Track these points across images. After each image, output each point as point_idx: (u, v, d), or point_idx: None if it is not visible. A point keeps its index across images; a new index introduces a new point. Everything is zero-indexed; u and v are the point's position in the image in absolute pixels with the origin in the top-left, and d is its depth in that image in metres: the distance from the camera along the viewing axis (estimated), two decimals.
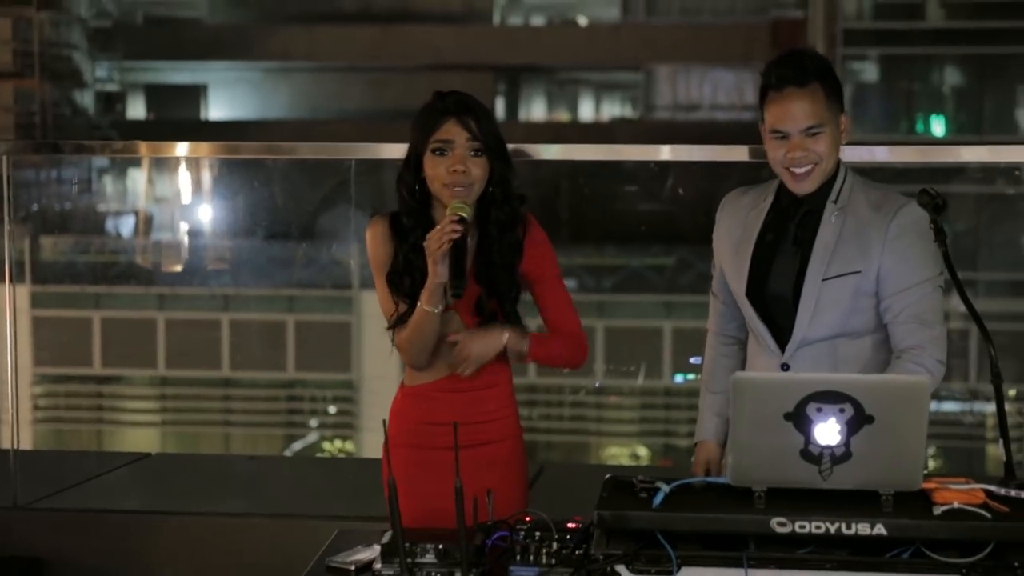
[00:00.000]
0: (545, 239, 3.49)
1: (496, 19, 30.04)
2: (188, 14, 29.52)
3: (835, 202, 3.33)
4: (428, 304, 3.32)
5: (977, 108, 26.41)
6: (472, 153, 3.36)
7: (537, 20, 30.98)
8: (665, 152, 5.25)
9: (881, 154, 5.25)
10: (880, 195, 3.35)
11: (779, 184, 3.39)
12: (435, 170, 3.36)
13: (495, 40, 28.47)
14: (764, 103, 3.33)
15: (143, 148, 5.36)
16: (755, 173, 3.63)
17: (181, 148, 4.94)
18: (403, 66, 26.82)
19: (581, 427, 19.14)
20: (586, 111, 33.65)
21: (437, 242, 3.24)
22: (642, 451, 20.15)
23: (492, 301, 3.41)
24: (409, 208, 3.42)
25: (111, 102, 28.33)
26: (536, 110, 32.35)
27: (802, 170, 3.28)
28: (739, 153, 4.53)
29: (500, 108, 28.62)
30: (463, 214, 3.27)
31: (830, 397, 2.60)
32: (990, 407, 19.33)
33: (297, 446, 20.49)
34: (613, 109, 33.89)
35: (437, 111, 3.38)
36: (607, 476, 2.88)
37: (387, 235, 3.43)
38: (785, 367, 3.31)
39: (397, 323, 3.41)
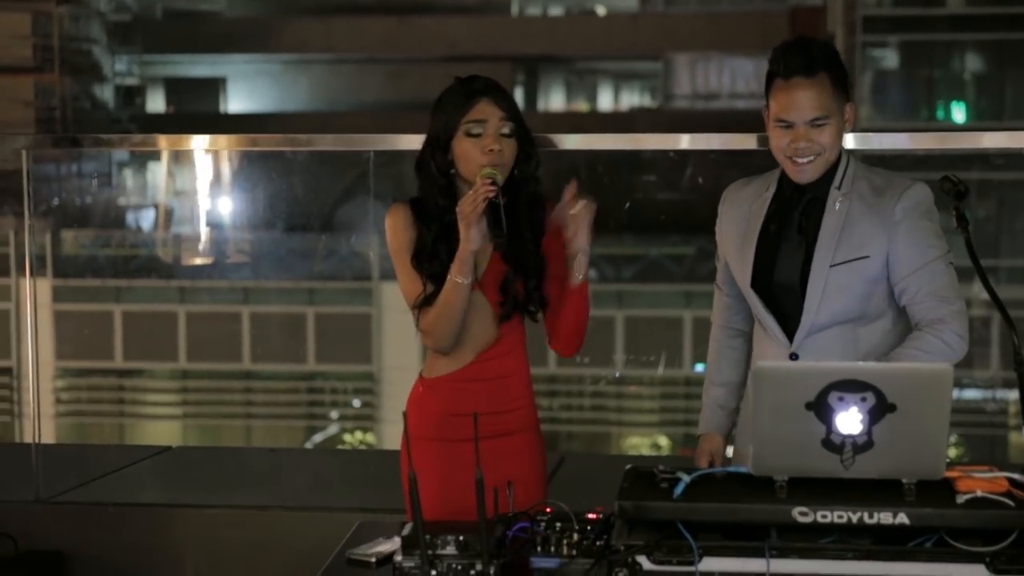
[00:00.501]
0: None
1: (514, 10, 30.03)
2: (207, 7, 29.58)
3: (839, 188, 3.32)
4: (459, 275, 3.29)
5: (998, 94, 26.34)
6: (505, 132, 3.35)
7: (555, 10, 30.95)
8: (684, 141, 5.23)
9: (901, 141, 5.23)
10: (883, 179, 3.34)
11: (781, 173, 3.37)
12: (470, 150, 3.34)
13: (513, 31, 28.46)
14: (770, 90, 3.31)
15: (162, 141, 5.37)
16: (774, 162, 3.59)
17: (199, 141, 4.93)
18: (420, 57, 26.84)
19: (602, 417, 19.13)
20: (605, 101, 33.63)
21: (471, 204, 3.22)
22: (663, 441, 20.13)
23: (518, 280, 3.40)
24: (440, 188, 3.38)
25: (131, 96, 28.39)
26: (555, 100, 32.32)
27: (804, 160, 3.26)
28: (748, 141, 4.52)
29: (519, 99, 28.58)
30: (495, 177, 3.27)
31: (852, 386, 2.59)
32: (1013, 394, 19.24)
33: (318, 438, 20.52)
34: (632, 99, 33.87)
35: (466, 93, 3.37)
36: (628, 467, 2.87)
37: (409, 220, 3.41)
38: (794, 357, 3.29)
39: (423, 304, 3.38)
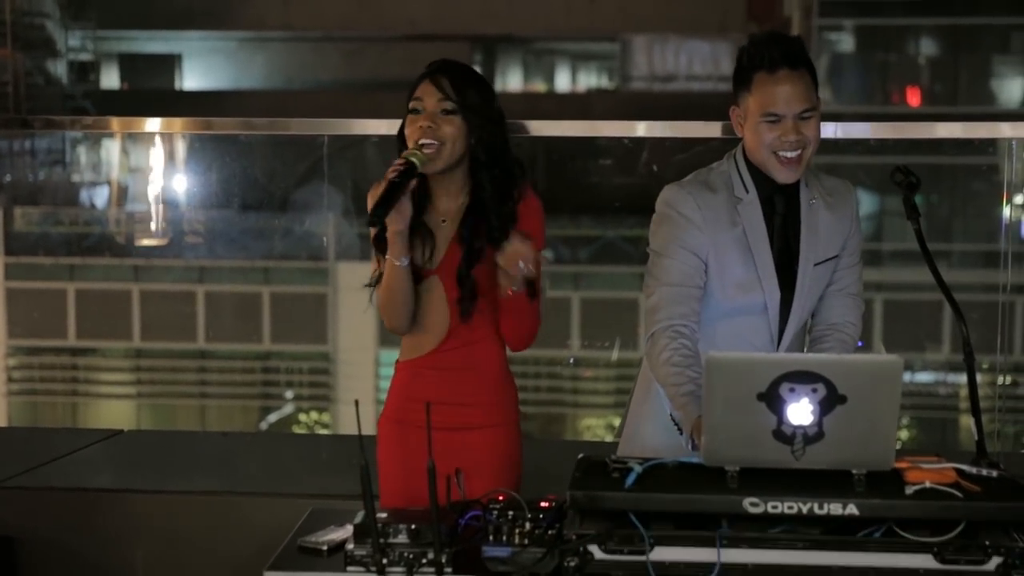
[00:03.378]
0: (538, 208, 3.43)
1: None
2: None
3: (807, 187, 3.33)
4: (392, 255, 3.32)
5: (953, 78, 26.45)
6: (443, 112, 3.37)
7: None
8: (640, 128, 5.21)
9: (860, 130, 5.25)
10: (827, 179, 3.41)
11: (753, 176, 3.32)
12: (409, 128, 3.39)
13: (471, 10, 28.35)
14: (748, 85, 3.26)
15: (115, 124, 5.31)
16: (731, 146, 3.57)
17: (153, 123, 4.90)
18: (379, 36, 26.73)
19: (557, 399, 19.16)
20: (562, 82, 33.57)
21: (378, 184, 3.28)
22: (617, 421, 20.19)
23: (475, 268, 3.37)
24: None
25: (84, 72, 28.12)
26: (512, 81, 32.26)
27: (793, 154, 3.23)
28: (714, 129, 4.51)
29: None
30: (413, 159, 3.28)
31: (803, 377, 2.60)
32: (963, 378, 19.39)
33: (272, 418, 20.48)
34: (590, 79, 33.82)
35: (419, 77, 3.43)
36: (579, 456, 2.88)
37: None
38: None
39: (375, 282, 3.42)
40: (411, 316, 3.42)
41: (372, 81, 26.24)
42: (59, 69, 27.24)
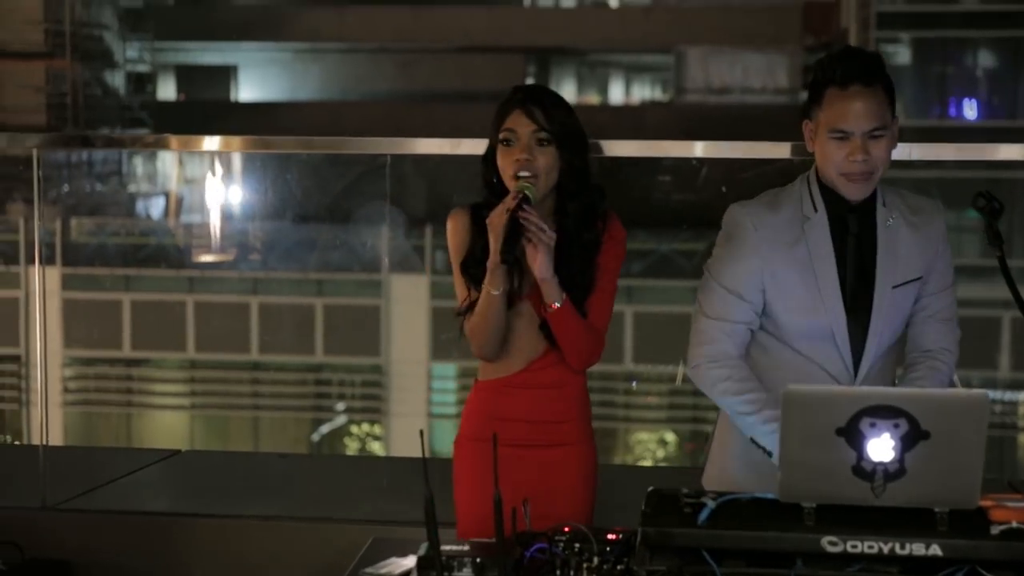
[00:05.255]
0: (621, 239, 3.41)
1: (527, 1, 29.92)
2: None
3: (884, 206, 3.23)
4: (490, 285, 3.29)
5: (1011, 91, 26.22)
6: (538, 143, 3.33)
7: (568, 2, 30.84)
8: (699, 149, 5.09)
9: (917, 152, 5.12)
10: (913, 198, 3.29)
11: (822, 192, 3.23)
12: (503, 160, 3.35)
13: (525, 22, 28.35)
14: (820, 101, 3.16)
15: (173, 142, 5.27)
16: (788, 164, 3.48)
17: (212, 142, 4.86)
18: (433, 48, 26.75)
19: (609, 413, 19.07)
20: (616, 94, 33.51)
21: (498, 215, 3.21)
22: (670, 437, 20.08)
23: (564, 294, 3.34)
24: (487, 202, 3.38)
25: (141, 83, 28.29)
26: (566, 92, 32.19)
27: (861, 175, 3.13)
28: (781, 150, 4.40)
29: None
30: (528, 192, 3.25)
31: (884, 412, 2.50)
32: (1022, 395, 19.20)
33: (325, 429, 20.49)
34: (643, 91, 33.74)
35: (505, 102, 3.39)
36: (650, 489, 2.79)
37: (467, 225, 3.42)
38: None
39: (466, 310, 3.39)
40: (502, 343, 3.40)
41: (426, 92, 26.26)
42: (117, 80, 27.41)
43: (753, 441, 3.24)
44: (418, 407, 19.27)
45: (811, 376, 3.23)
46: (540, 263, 3.24)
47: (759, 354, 3.32)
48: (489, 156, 3.40)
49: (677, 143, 4.75)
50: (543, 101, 3.35)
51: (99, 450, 9.09)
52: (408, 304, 19.06)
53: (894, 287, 3.21)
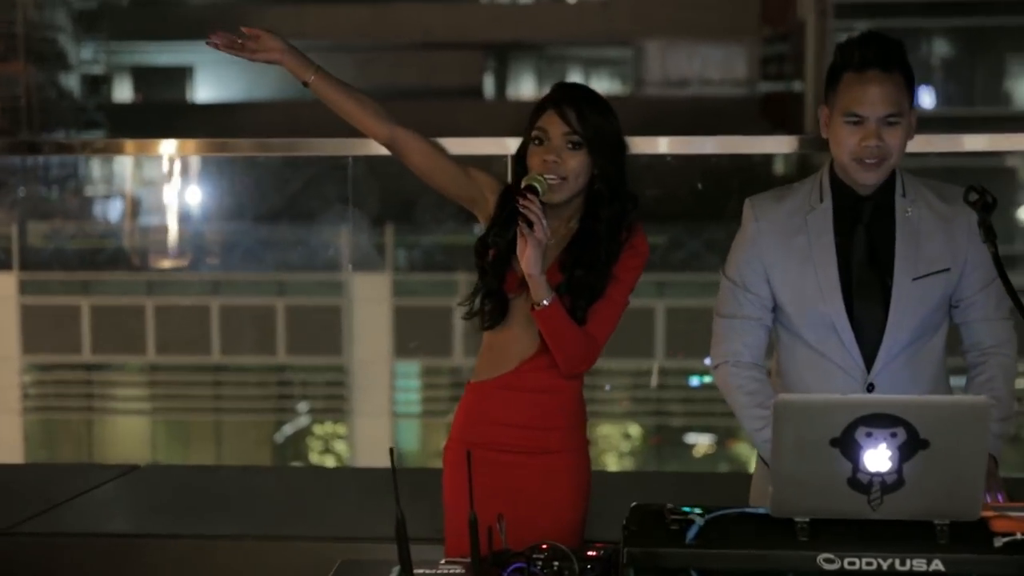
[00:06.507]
0: (643, 252, 3.29)
1: None
2: None
3: (904, 196, 3.12)
4: (537, 296, 3.16)
5: (968, 80, 26.32)
6: (569, 145, 3.22)
7: None
8: (663, 145, 4.99)
9: None
10: (942, 187, 3.18)
11: (832, 181, 3.15)
12: (532, 159, 3.26)
13: (484, 17, 28.25)
14: (836, 85, 3.10)
15: (129, 146, 5.18)
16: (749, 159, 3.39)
17: (168, 146, 4.77)
18: (393, 44, 26.60)
19: None
20: None
21: (535, 216, 3.11)
22: (634, 430, 19.99)
23: (567, 298, 3.23)
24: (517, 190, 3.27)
25: (97, 85, 28.04)
26: (525, 87, 32.13)
27: (873, 161, 3.06)
28: (748, 145, 4.32)
29: (489, 86, 28.40)
30: (536, 185, 3.16)
31: (881, 420, 2.39)
32: None
33: (288, 430, 20.36)
34: (602, 85, 33.66)
35: (542, 101, 3.31)
36: (633, 504, 2.66)
37: (495, 188, 3.37)
38: (871, 388, 3.08)
39: (473, 317, 3.31)
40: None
41: (386, 89, 26.04)
42: (71, 83, 27.15)
43: (760, 458, 3.17)
44: (381, 406, 19.15)
45: (823, 371, 3.14)
46: (528, 257, 3.12)
47: (780, 349, 3.27)
48: (521, 153, 3.31)
49: (642, 139, 4.64)
50: (579, 103, 3.24)
51: (52, 468, 8.83)
52: (370, 303, 18.93)
53: (915, 279, 3.09)
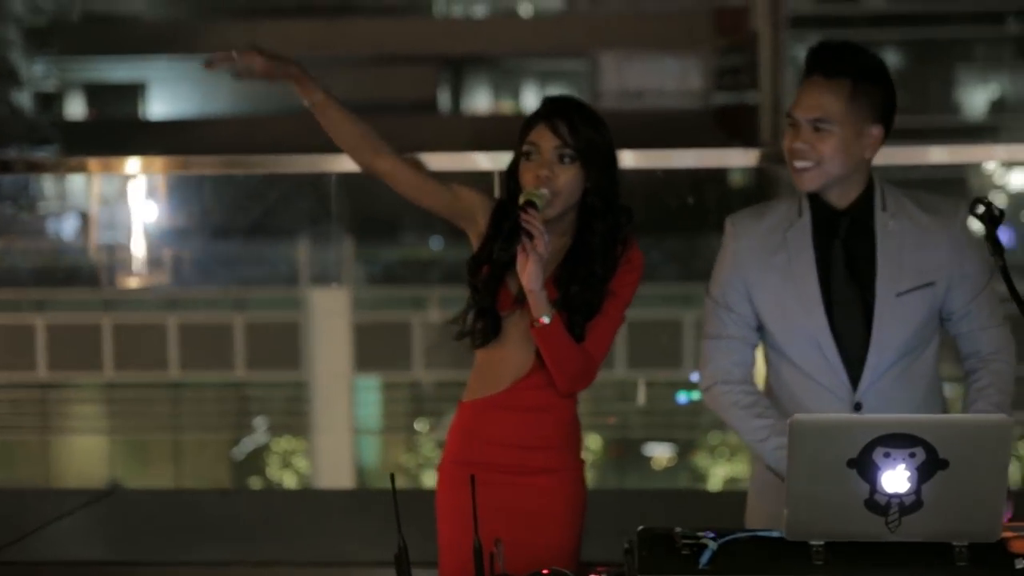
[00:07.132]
0: (639, 266, 3.24)
1: (439, 11, 29.79)
2: (126, 10, 29.03)
3: (884, 210, 3.06)
4: (537, 312, 3.11)
5: (921, 90, 26.51)
6: (560, 159, 3.15)
7: (480, 11, 30.74)
8: (627, 158, 4.93)
9: None
10: (928, 199, 3.13)
11: (812, 197, 3.11)
12: (525, 175, 3.19)
13: (438, 30, 28.22)
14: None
15: (93, 164, 5.09)
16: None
17: (133, 165, 4.71)
18: (348, 58, 26.51)
19: None
20: (531, 101, 33.42)
21: (537, 231, 3.05)
22: (593, 444, 19.98)
23: (564, 314, 3.16)
24: (508, 212, 3.22)
25: (49, 102, 27.82)
26: (481, 100, 32.11)
27: (801, 164, 3.03)
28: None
29: (445, 100, 28.35)
30: (535, 199, 3.09)
31: (899, 441, 2.33)
32: None
33: (248, 446, 20.25)
34: None
35: (534, 115, 3.24)
36: (640, 528, 2.59)
37: (484, 205, 3.30)
38: (858, 407, 3.02)
39: (465, 338, 3.25)
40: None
41: (343, 103, 25.99)
42: (23, 99, 26.92)
43: (769, 468, 3.09)
44: (341, 421, 19.04)
45: (810, 391, 3.08)
46: (529, 273, 3.06)
47: (768, 371, 3.21)
48: (512, 169, 3.24)
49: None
50: (570, 115, 3.17)
51: (20, 493, 8.61)
52: (329, 318, 18.82)
53: (899, 294, 3.04)
